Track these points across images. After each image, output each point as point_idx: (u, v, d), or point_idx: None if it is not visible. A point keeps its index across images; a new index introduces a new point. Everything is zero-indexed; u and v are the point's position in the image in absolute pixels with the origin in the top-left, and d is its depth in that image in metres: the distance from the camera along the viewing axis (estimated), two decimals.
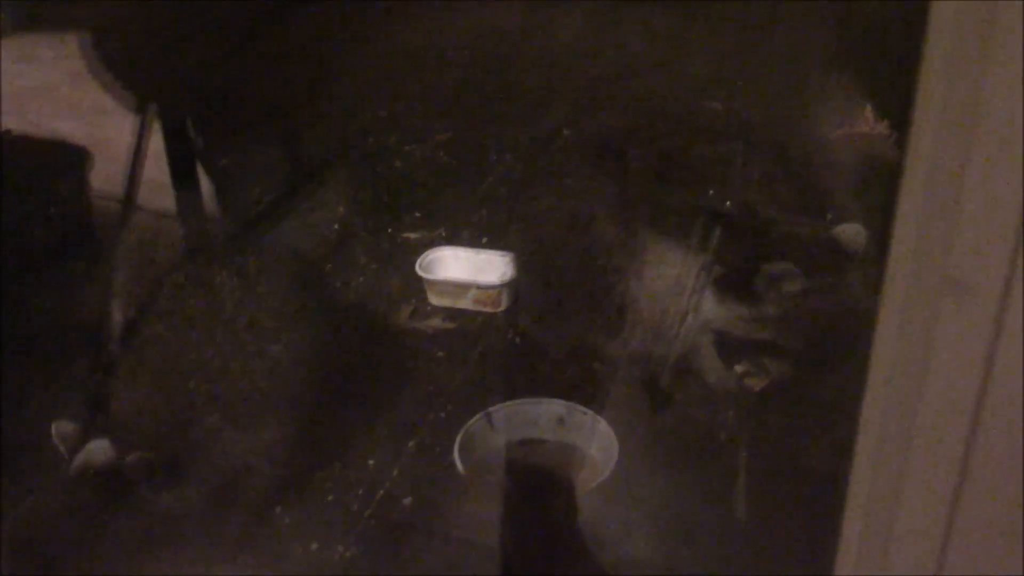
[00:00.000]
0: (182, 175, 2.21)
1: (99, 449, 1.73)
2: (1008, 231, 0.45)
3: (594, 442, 1.79)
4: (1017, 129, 0.44)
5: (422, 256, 2.25)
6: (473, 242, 2.35)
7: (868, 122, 2.52)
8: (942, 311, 0.48)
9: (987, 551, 0.56)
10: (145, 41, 2.30)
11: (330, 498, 1.73)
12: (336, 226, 2.46)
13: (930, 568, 0.58)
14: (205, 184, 2.36)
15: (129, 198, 2.08)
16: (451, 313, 2.19)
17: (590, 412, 1.82)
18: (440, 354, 2.09)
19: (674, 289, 2.13)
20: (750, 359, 2.02)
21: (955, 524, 0.55)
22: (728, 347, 2.04)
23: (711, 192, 2.36)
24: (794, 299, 2.05)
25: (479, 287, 2.19)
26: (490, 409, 1.82)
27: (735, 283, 2.08)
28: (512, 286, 2.20)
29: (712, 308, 2.08)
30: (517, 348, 2.12)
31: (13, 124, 2.41)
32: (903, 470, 0.56)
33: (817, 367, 1.94)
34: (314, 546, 1.64)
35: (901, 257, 0.48)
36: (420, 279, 2.21)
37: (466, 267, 2.26)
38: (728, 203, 2.33)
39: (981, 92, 0.45)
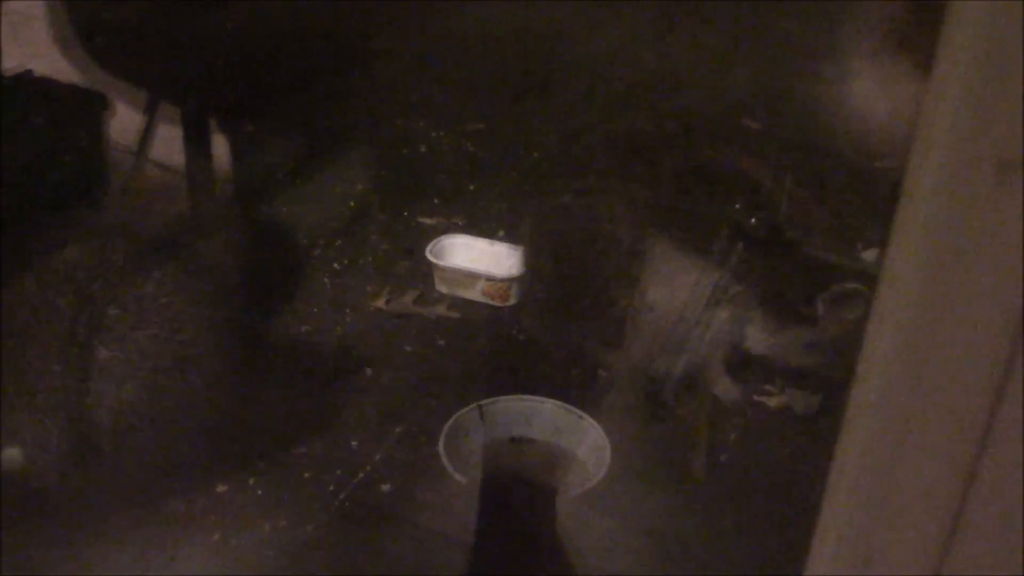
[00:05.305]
0: (196, 136, 2.17)
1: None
2: None
3: (585, 447, 1.73)
4: None
5: (434, 241, 2.20)
6: (489, 234, 2.29)
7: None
8: None
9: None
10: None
11: (306, 475, 1.68)
12: (352, 203, 2.41)
13: None
14: (223, 146, 2.32)
15: (142, 151, 2.04)
16: (457, 302, 2.13)
17: (586, 416, 1.76)
18: (441, 342, 2.03)
19: (688, 301, 2.06)
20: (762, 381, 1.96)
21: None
22: (739, 366, 1.98)
23: (737, 207, 2.29)
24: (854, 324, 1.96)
25: (489, 279, 2.13)
26: (483, 402, 1.76)
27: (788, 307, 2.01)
28: (523, 281, 2.13)
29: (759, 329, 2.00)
30: (519, 345, 2.06)
31: (41, 68, 2.38)
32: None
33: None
34: (282, 523, 1.59)
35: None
36: (429, 264, 2.16)
37: (478, 257, 2.20)
38: (753, 220, 2.26)
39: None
